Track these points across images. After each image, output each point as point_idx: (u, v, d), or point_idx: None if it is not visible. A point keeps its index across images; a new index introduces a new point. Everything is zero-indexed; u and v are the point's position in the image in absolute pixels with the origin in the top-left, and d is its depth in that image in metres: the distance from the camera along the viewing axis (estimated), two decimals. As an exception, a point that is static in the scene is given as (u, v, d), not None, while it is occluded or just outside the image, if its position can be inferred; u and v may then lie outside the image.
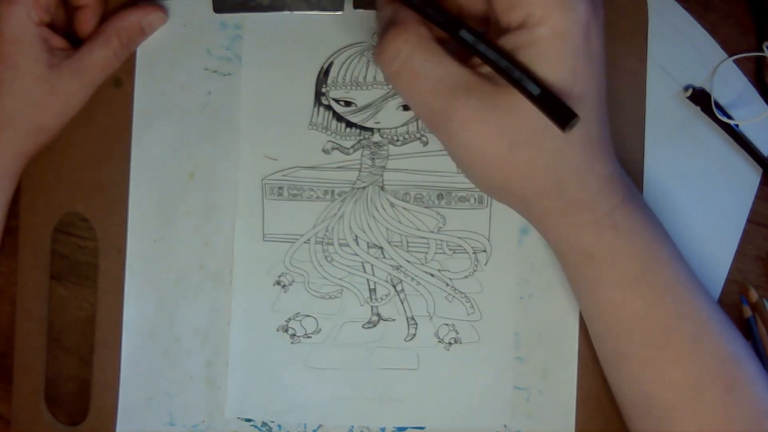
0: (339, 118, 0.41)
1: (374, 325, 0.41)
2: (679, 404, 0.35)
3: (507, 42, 0.32)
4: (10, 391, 0.41)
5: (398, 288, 0.41)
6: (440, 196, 0.41)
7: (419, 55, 0.32)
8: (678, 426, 0.35)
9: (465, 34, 0.31)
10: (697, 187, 0.43)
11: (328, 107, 0.41)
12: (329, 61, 0.41)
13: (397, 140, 0.41)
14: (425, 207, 0.41)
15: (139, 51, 0.40)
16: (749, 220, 0.44)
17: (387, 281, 0.41)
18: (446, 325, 0.42)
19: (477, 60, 0.33)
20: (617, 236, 0.34)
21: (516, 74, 0.30)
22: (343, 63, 0.41)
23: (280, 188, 0.41)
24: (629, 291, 0.35)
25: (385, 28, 0.33)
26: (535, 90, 0.30)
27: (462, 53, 0.33)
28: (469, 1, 0.35)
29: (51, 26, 0.38)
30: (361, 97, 0.41)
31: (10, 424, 0.41)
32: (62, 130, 0.40)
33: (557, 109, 0.30)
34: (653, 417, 0.36)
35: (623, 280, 0.35)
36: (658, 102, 0.43)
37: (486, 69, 0.32)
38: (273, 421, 0.41)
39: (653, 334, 0.35)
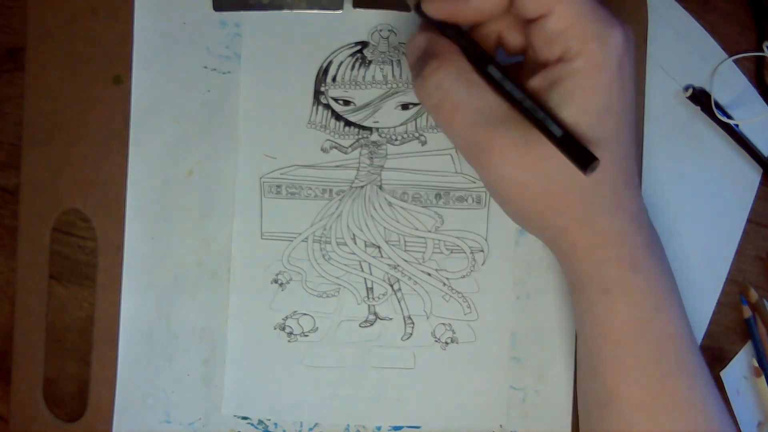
0: (338, 117, 0.41)
1: (371, 324, 0.41)
2: None
3: (546, 76, 0.32)
4: (9, 390, 0.41)
5: (395, 287, 0.41)
6: (438, 196, 0.41)
7: (460, 86, 0.32)
8: None
9: (492, 71, 0.32)
10: (697, 187, 0.43)
11: (327, 106, 0.41)
12: (328, 59, 0.41)
13: (396, 139, 0.41)
14: (423, 206, 0.41)
15: (138, 49, 0.41)
16: (749, 220, 0.44)
17: (384, 280, 0.41)
18: (443, 324, 0.41)
19: None
20: (636, 276, 0.34)
21: (540, 115, 0.30)
22: (342, 62, 0.41)
23: (279, 186, 0.41)
24: (637, 333, 0.35)
25: (422, 58, 0.34)
26: (557, 131, 0.30)
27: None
28: (509, 34, 0.34)
29: None
30: (359, 96, 0.41)
31: (8, 424, 0.41)
32: (60, 127, 0.40)
33: (578, 152, 0.29)
34: None
35: (633, 320, 0.34)
36: (658, 102, 0.43)
37: None
38: (269, 419, 0.41)
39: (652, 379, 0.35)
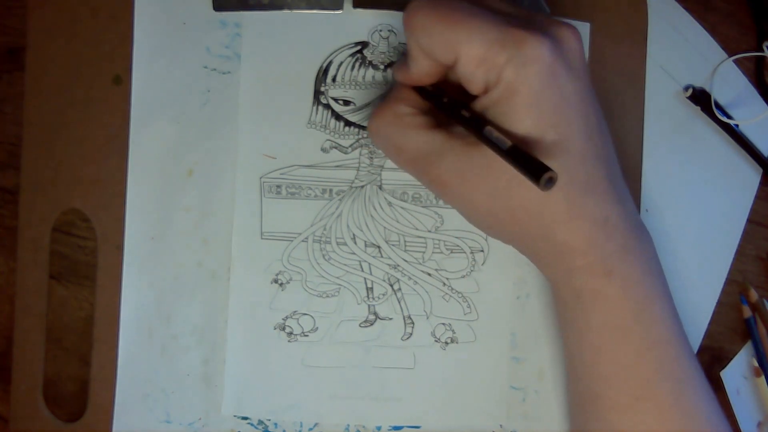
0: (338, 116, 0.41)
1: (371, 324, 0.41)
2: None
3: (477, 105, 0.33)
4: (9, 391, 0.41)
5: (395, 287, 0.41)
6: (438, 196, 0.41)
7: (395, 130, 0.36)
8: None
9: (455, 112, 0.34)
10: (697, 187, 0.43)
11: (327, 106, 0.41)
12: (328, 59, 0.41)
13: (396, 139, 0.41)
14: (423, 206, 0.41)
15: (138, 49, 0.41)
16: (749, 220, 0.44)
17: (384, 280, 0.41)
18: (443, 324, 0.41)
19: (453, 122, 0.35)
20: (610, 283, 0.34)
21: (491, 135, 0.31)
22: (342, 62, 0.41)
23: (279, 186, 0.41)
24: (615, 339, 0.34)
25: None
26: (504, 145, 0.30)
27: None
28: (449, 74, 0.36)
29: None
30: (359, 96, 0.41)
31: (8, 424, 0.41)
32: (60, 127, 0.40)
33: (531, 165, 0.29)
34: None
35: (611, 327, 0.34)
36: (658, 102, 0.43)
37: (460, 129, 0.34)
38: (269, 419, 0.41)
39: (633, 384, 0.34)
